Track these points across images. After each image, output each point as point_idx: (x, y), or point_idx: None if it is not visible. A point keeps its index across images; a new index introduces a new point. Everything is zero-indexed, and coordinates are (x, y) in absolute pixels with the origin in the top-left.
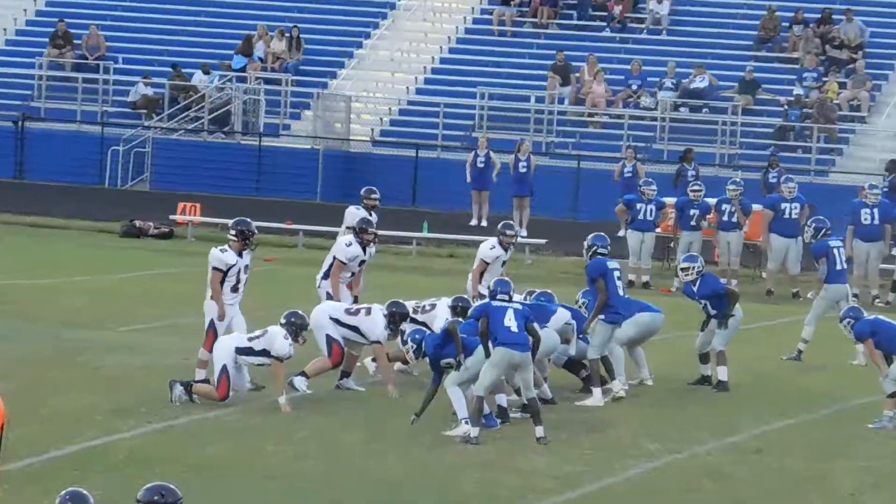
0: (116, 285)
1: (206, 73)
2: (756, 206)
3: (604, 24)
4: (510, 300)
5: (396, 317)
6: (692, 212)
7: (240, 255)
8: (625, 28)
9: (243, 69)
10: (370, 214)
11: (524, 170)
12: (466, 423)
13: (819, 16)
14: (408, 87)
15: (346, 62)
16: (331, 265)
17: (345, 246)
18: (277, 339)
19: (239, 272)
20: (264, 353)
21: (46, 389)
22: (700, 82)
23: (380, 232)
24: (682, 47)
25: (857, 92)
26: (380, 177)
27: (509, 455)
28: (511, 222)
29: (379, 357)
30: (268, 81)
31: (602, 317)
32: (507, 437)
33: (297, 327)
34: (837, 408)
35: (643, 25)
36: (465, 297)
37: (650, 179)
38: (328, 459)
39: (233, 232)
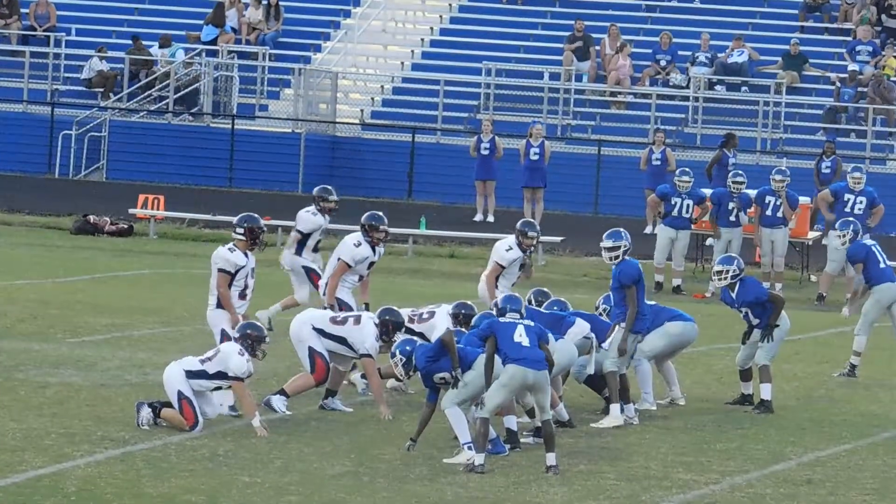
0: (66, 290)
1: (167, 45)
2: (804, 199)
3: None
4: (521, 318)
5: (389, 326)
6: (731, 205)
7: (246, 255)
8: None
9: (214, 41)
10: (325, 218)
11: (536, 157)
12: (470, 448)
13: None
14: (402, 63)
15: (331, 33)
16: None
17: (353, 246)
18: (232, 357)
19: (247, 276)
20: (220, 375)
21: None
22: (738, 56)
23: None
24: (717, 16)
25: None
26: (371, 165)
27: (521, 487)
28: (532, 221)
29: (369, 373)
30: (242, 56)
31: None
32: (518, 466)
33: (252, 340)
34: None
35: None
36: (469, 303)
37: (686, 169)
38: (310, 494)
39: (240, 230)
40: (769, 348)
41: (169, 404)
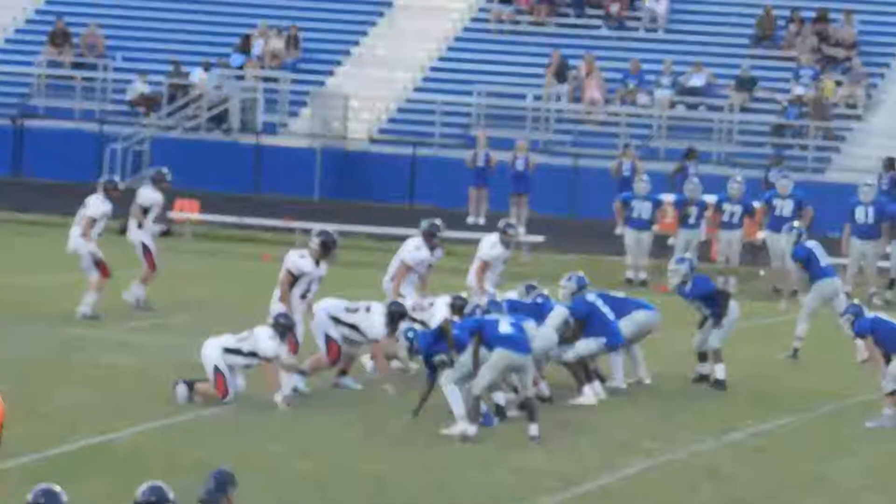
0: (113, 283)
1: (207, 69)
2: (757, 204)
3: (601, 22)
4: (503, 315)
5: (396, 315)
6: (690, 209)
7: (317, 264)
8: (622, 26)
9: (241, 67)
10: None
11: (522, 168)
12: (463, 421)
13: (815, 14)
14: (405, 86)
15: (343, 60)
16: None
17: (413, 249)
18: (263, 339)
19: (311, 282)
20: (253, 354)
21: (44, 388)
22: (697, 80)
23: (376, 230)
24: (679, 45)
25: (854, 90)
26: (377, 175)
27: (507, 454)
28: (513, 221)
29: (377, 355)
30: (266, 80)
31: (604, 340)
32: (505, 436)
33: (283, 328)
34: (837, 406)
35: (640, 23)
36: (463, 295)
37: (644, 177)
38: (326, 459)
39: (316, 241)
40: (720, 333)
41: (201, 380)
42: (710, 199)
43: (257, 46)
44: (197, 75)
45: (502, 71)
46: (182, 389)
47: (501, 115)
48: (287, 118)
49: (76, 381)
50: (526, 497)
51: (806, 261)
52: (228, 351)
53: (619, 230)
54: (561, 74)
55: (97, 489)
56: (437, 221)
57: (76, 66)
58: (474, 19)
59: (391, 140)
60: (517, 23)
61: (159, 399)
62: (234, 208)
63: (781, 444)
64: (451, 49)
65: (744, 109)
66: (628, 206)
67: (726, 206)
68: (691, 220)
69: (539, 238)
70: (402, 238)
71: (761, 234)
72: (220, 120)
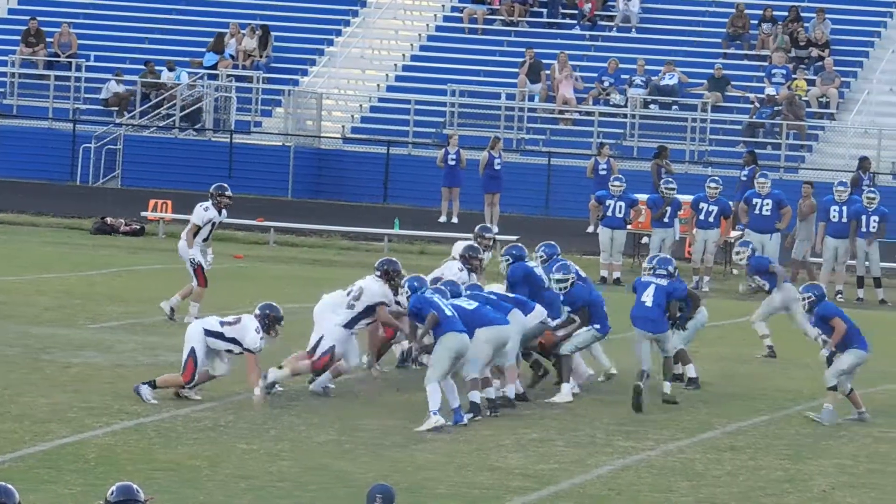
0: (87, 283)
1: (171, 69)
2: (733, 204)
3: (574, 21)
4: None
5: (268, 320)
6: (665, 209)
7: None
8: (595, 26)
9: (215, 66)
10: (220, 213)
11: (498, 167)
12: (436, 414)
13: (787, 14)
14: (379, 85)
15: (317, 60)
16: None
17: (457, 271)
18: (249, 332)
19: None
20: (234, 341)
21: (16, 388)
22: (670, 79)
23: (351, 229)
24: (651, 45)
25: (826, 89)
26: (351, 174)
27: (483, 453)
28: (488, 226)
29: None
30: (239, 79)
31: (597, 327)
32: (481, 435)
33: (270, 320)
34: (812, 405)
35: (613, 23)
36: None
37: (619, 175)
38: (301, 459)
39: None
40: (685, 335)
41: (160, 376)
42: (686, 198)
43: (231, 46)
44: (164, 76)
45: (476, 70)
46: (146, 390)
47: (474, 115)
48: (260, 117)
49: (48, 381)
50: (501, 496)
51: (764, 272)
52: (209, 333)
53: (591, 229)
54: (534, 74)
55: (70, 489)
56: (475, 245)
57: (49, 65)
58: (447, 18)
59: (365, 139)
60: (490, 22)
61: (132, 398)
62: None
63: (756, 443)
64: (424, 48)
65: (716, 108)
66: (604, 205)
67: (703, 206)
68: (665, 219)
69: (513, 237)
70: (377, 238)
71: (735, 233)
72: (193, 119)
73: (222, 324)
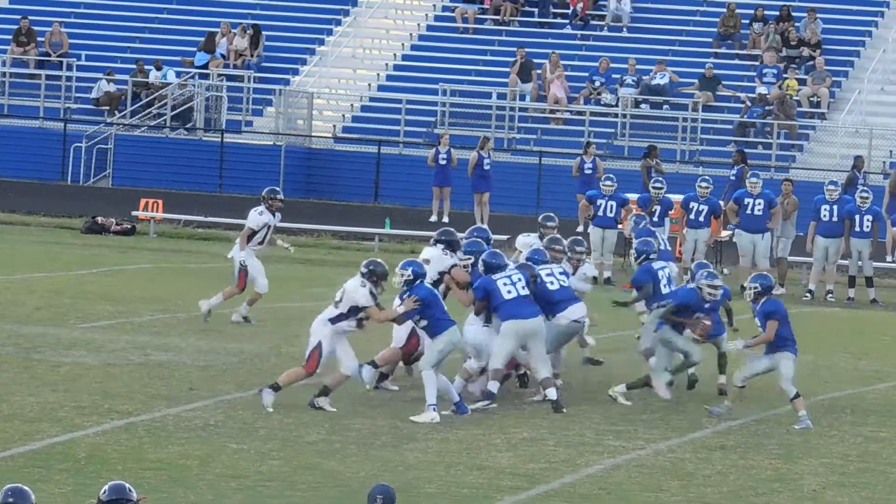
0: (77, 282)
1: (159, 68)
2: (723, 203)
3: (565, 21)
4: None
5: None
6: (655, 208)
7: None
8: (586, 25)
9: (206, 66)
10: (274, 216)
11: (487, 167)
12: (434, 410)
13: (778, 13)
14: (370, 84)
15: (308, 59)
16: None
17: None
18: (356, 291)
19: None
20: (353, 310)
21: (6, 387)
22: (661, 79)
23: (342, 228)
24: (642, 44)
25: (817, 88)
26: (342, 173)
27: (473, 453)
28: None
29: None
30: (230, 78)
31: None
32: (471, 435)
33: (377, 276)
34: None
35: (604, 23)
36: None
37: (610, 175)
38: (291, 458)
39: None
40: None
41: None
42: (676, 197)
43: (221, 45)
44: (152, 75)
45: (467, 70)
46: (268, 394)
47: (465, 114)
48: (251, 117)
49: (39, 381)
50: (490, 495)
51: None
52: (333, 320)
53: (580, 229)
54: (525, 73)
55: (61, 488)
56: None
57: (40, 64)
58: (439, 18)
59: (356, 138)
60: (482, 22)
61: (123, 398)
62: (197, 207)
63: (746, 443)
64: (415, 48)
65: (707, 108)
66: (594, 205)
67: (693, 205)
68: (655, 218)
69: (503, 237)
70: (368, 237)
71: (726, 233)
72: (184, 119)
73: (335, 305)
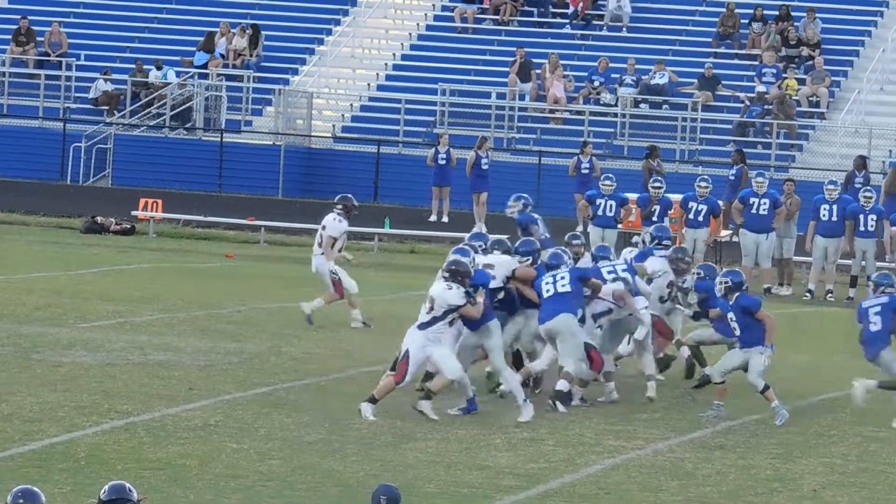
0: (77, 282)
1: (159, 68)
2: (722, 203)
3: (565, 20)
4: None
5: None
6: (654, 207)
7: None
8: (586, 25)
9: (205, 66)
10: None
11: (485, 166)
12: (526, 402)
13: (778, 13)
14: (369, 84)
15: (307, 59)
16: None
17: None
18: (445, 294)
19: None
20: (446, 312)
21: (6, 387)
22: (660, 78)
23: None
24: (642, 44)
25: (817, 88)
26: (341, 173)
27: (473, 452)
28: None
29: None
30: (229, 78)
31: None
32: (471, 435)
33: (460, 276)
34: (800, 404)
35: (604, 22)
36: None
37: (610, 175)
38: (290, 458)
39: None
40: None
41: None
42: (676, 197)
43: (221, 45)
44: (152, 75)
45: (466, 69)
46: (367, 408)
47: (465, 114)
48: (251, 116)
49: (38, 381)
50: (490, 495)
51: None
52: (424, 325)
53: (579, 228)
54: (525, 73)
55: (61, 488)
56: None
57: (40, 64)
58: (438, 18)
59: (355, 138)
60: (481, 21)
61: (122, 397)
62: (197, 206)
63: (745, 442)
64: (414, 47)
65: (706, 108)
66: (593, 204)
67: (692, 205)
68: (654, 218)
69: (504, 237)
70: (367, 237)
71: (726, 233)
72: (183, 118)
73: (428, 312)
